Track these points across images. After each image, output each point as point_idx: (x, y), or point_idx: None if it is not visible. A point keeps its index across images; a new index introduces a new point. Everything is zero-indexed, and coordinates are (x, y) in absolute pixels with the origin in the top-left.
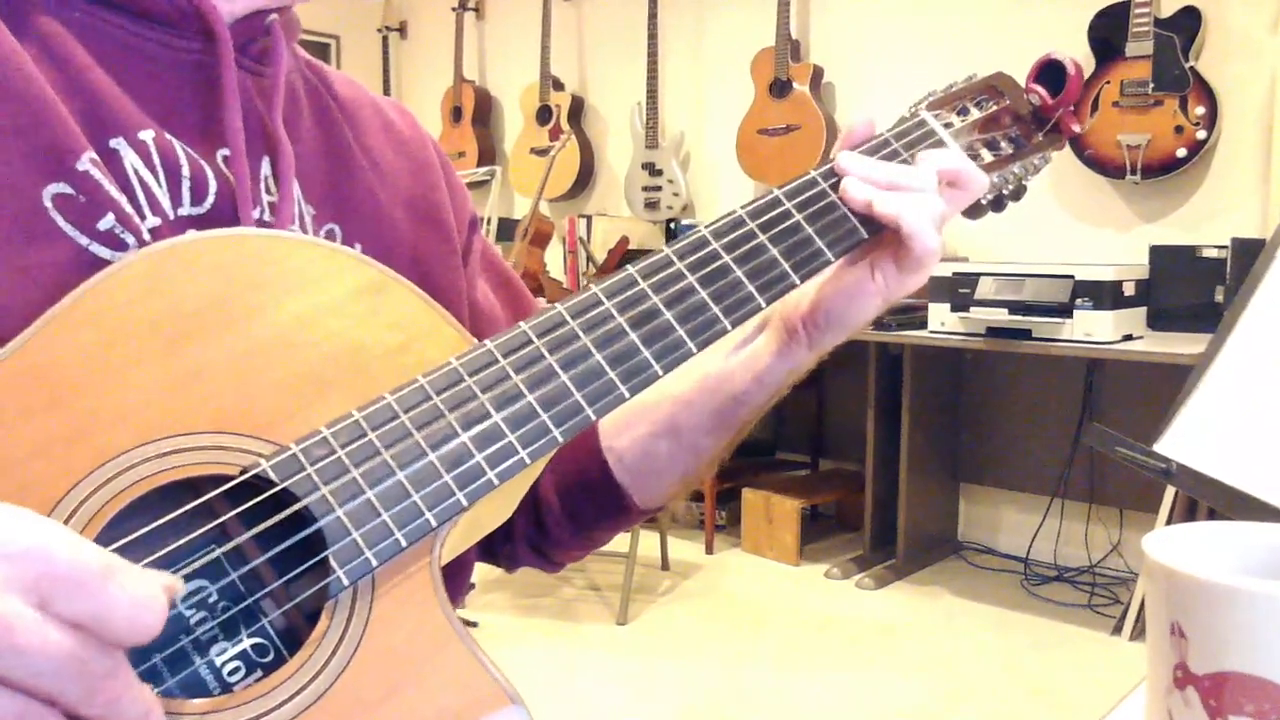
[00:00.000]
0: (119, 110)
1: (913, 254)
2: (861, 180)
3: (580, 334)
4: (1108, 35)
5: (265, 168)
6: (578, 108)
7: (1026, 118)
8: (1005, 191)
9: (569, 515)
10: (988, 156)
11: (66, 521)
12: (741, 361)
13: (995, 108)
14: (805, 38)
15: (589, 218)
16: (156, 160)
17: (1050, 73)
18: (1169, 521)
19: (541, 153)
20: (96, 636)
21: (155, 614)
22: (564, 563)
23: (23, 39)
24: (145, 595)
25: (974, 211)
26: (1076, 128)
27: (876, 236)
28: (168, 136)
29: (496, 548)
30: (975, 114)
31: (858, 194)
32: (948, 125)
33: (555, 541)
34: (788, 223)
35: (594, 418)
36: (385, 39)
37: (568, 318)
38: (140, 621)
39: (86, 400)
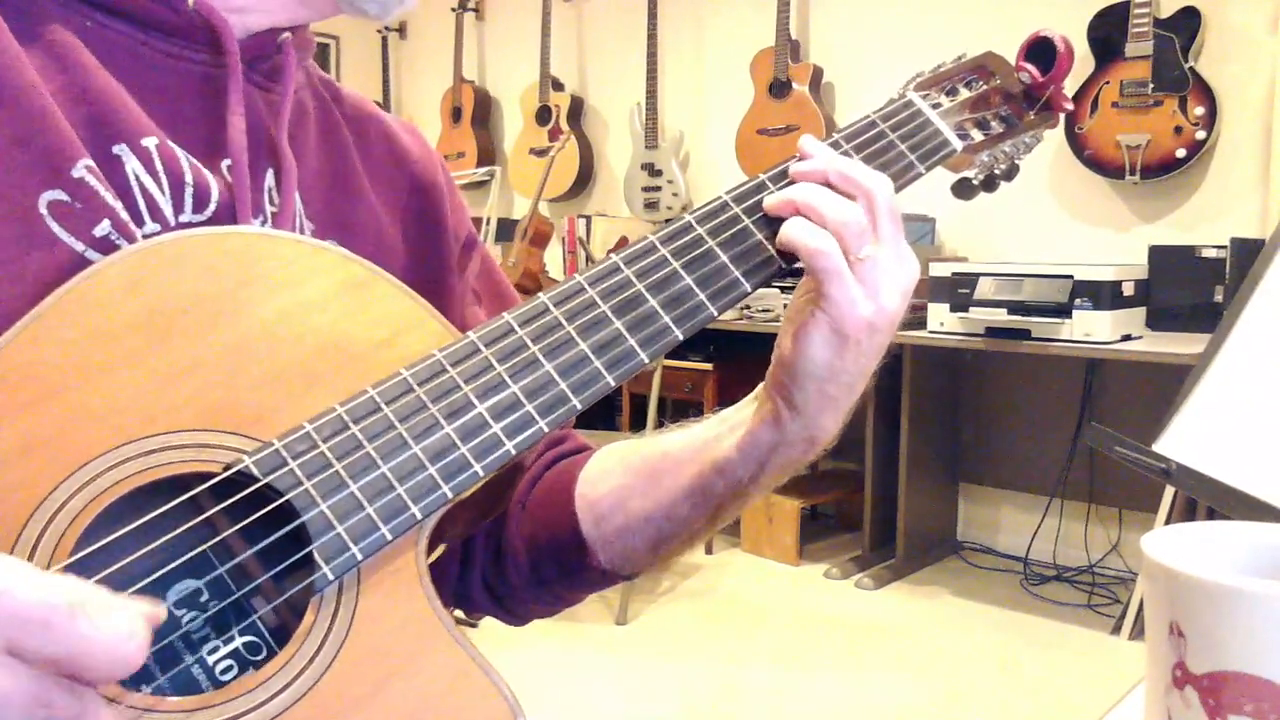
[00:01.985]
0: (124, 117)
1: (814, 272)
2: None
3: (563, 322)
4: (1107, 35)
5: (269, 180)
6: (577, 108)
7: (1017, 96)
8: (997, 171)
9: (531, 564)
10: (978, 135)
11: (49, 522)
12: (729, 427)
13: (985, 87)
14: (805, 38)
15: (588, 218)
16: (159, 167)
17: (1040, 50)
18: (1168, 521)
19: (541, 153)
20: (71, 676)
21: (132, 649)
22: (526, 617)
23: (31, 45)
24: (119, 631)
25: (966, 191)
26: (1068, 105)
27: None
28: (171, 144)
29: (454, 584)
30: (965, 94)
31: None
32: (936, 105)
33: (513, 589)
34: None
35: (579, 407)
36: (385, 39)
37: (550, 306)
38: (115, 658)
39: (69, 400)
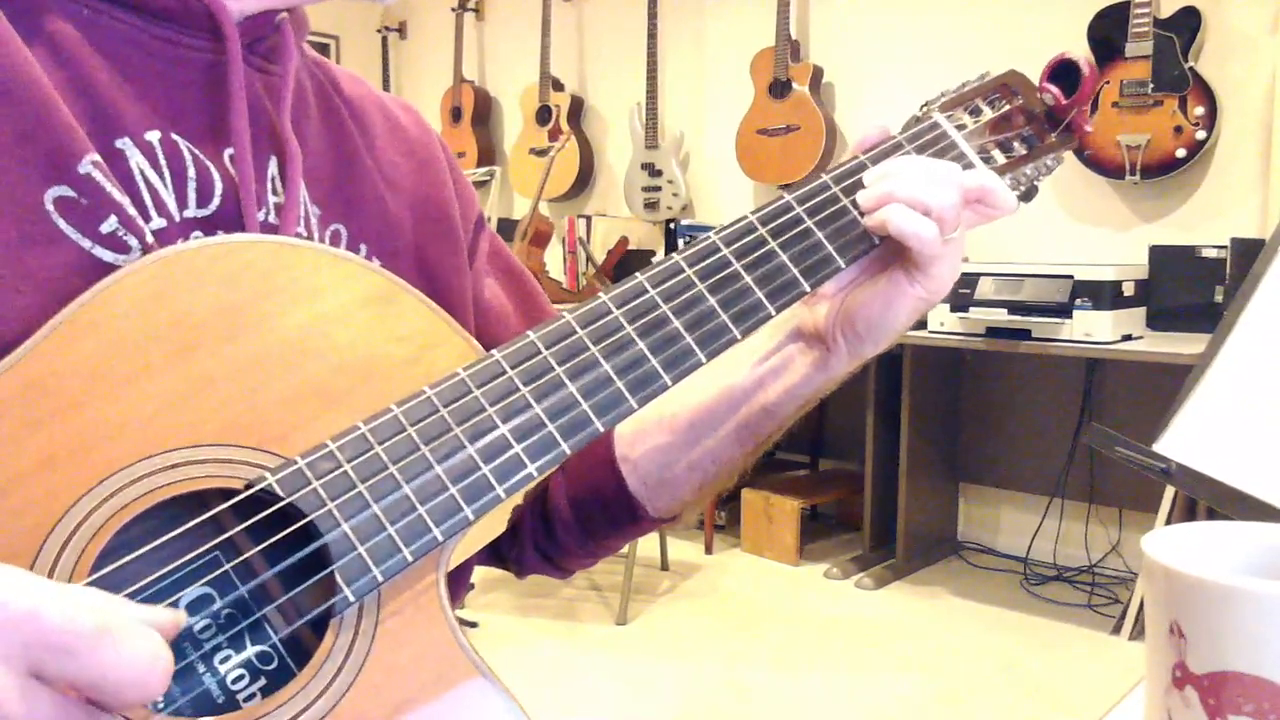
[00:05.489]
0: (125, 110)
1: (913, 253)
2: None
3: (589, 344)
4: (1108, 35)
5: (272, 167)
6: (577, 108)
7: (1040, 117)
8: (1018, 193)
9: (580, 525)
10: (1000, 158)
11: (71, 536)
12: (771, 372)
13: (1008, 107)
14: (805, 38)
15: (589, 218)
16: (162, 161)
17: (1063, 72)
18: (1168, 521)
19: (541, 153)
20: (96, 700)
21: (156, 675)
22: (573, 570)
23: (30, 38)
24: (143, 656)
25: None
26: (1089, 128)
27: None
28: (174, 137)
29: (505, 553)
30: (988, 113)
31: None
32: (960, 126)
33: (565, 550)
34: (798, 228)
35: (602, 429)
36: (385, 39)
37: (576, 327)
38: (138, 685)
39: (90, 412)
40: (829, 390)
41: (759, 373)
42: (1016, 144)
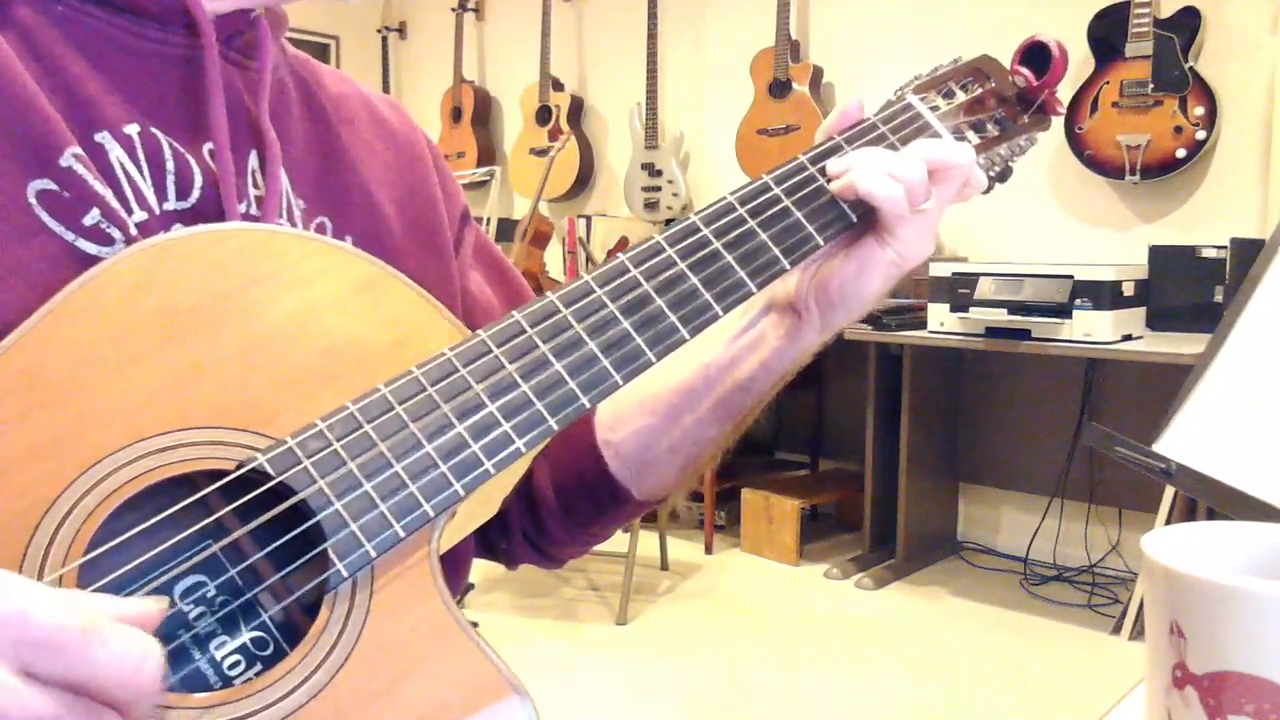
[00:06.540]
0: (103, 104)
1: (882, 214)
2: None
3: (572, 322)
4: (1107, 35)
5: (253, 161)
6: (577, 108)
7: (1012, 99)
8: (992, 173)
9: (566, 512)
10: (974, 139)
11: (63, 520)
12: (745, 348)
13: (980, 90)
14: (805, 38)
15: (588, 218)
16: (141, 154)
17: (1035, 54)
18: (1168, 521)
19: (541, 153)
20: (88, 698)
21: (147, 671)
22: (564, 559)
23: (3, 31)
24: (133, 653)
25: None
26: (1061, 109)
27: (870, 217)
28: (153, 130)
29: (496, 544)
30: (961, 96)
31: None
32: (934, 108)
33: (553, 538)
34: (776, 208)
35: (588, 405)
36: (385, 39)
37: (560, 306)
38: (131, 680)
39: (80, 399)
40: (802, 364)
41: (733, 349)
42: (989, 125)
